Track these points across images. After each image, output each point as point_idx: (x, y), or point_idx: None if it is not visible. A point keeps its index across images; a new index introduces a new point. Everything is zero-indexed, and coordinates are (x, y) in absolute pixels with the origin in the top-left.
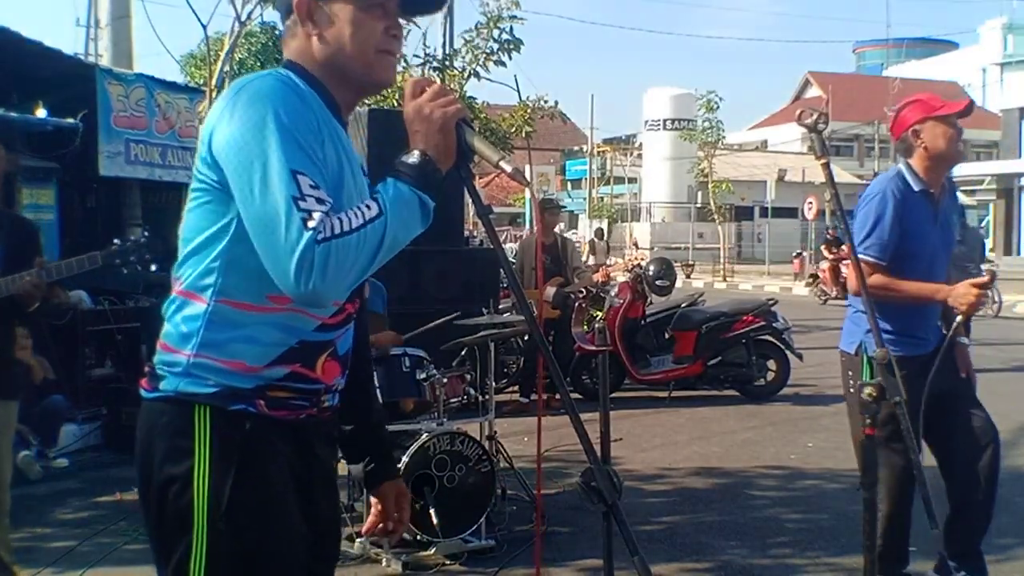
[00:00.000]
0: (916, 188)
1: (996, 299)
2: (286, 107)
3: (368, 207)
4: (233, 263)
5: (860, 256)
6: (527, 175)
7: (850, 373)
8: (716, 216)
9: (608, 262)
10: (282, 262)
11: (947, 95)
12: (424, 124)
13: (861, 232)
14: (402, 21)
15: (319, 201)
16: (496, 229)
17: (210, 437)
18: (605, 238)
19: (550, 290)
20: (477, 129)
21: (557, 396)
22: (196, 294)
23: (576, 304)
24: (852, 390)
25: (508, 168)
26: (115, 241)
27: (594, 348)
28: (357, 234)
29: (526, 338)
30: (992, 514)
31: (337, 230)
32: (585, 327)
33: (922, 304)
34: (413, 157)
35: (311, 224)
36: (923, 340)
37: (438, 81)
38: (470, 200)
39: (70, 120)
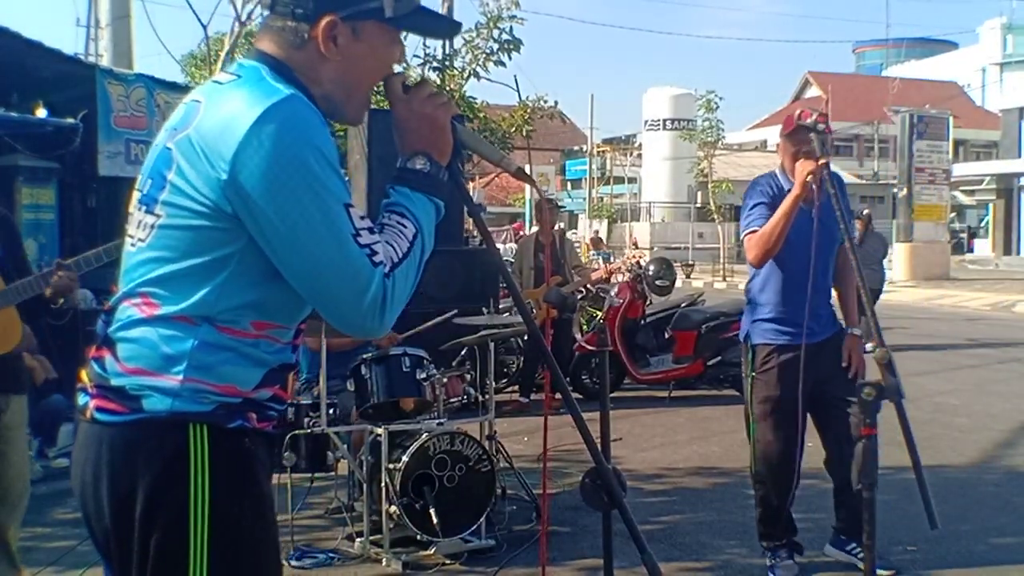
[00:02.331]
0: (786, 187)
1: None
2: (319, 135)
3: (404, 225)
4: (230, 293)
5: (746, 231)
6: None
7: (741, 360)
8: (716, 216)
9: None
10: (351, 303)
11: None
12: (425, 124)
13: (746, 215)
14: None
15: (371, 231)
16: (496, 229)
17: (209, 459)
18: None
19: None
20: (476, 128)
21: (557, 395)
22: (183, 317)
23: (580, 306)
24: (744, 375)
25: (512, 167)
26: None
27: (594, 348)
28: (409, 257)
29: (526, 338)
30: None
31: (395, 258)
32: (585, 326)
33: (802, 279)
34: (421, 163)
35: (377, 259)
36: (809, 330)
37: (434, 78)
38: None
39: (70, 120)
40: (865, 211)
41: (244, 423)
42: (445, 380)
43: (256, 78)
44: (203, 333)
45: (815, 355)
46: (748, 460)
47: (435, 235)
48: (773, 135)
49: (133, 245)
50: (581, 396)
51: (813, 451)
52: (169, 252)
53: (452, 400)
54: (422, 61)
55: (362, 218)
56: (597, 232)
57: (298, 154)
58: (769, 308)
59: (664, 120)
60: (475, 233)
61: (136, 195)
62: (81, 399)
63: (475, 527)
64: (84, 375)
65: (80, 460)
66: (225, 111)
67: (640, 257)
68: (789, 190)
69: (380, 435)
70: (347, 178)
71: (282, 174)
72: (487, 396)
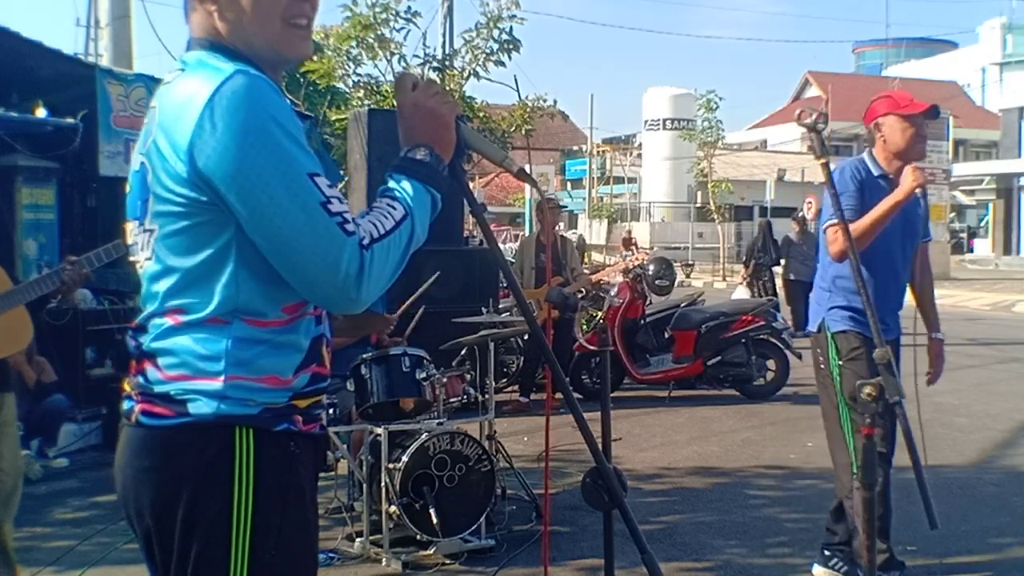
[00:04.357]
0: (876, 173)
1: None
2: (271, 105)
3: (393, 207)
4: (245, 281)
5: (832, 222)
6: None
7: (818, 351)
8: (715, 216)
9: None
10: (326, 274)
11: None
12: (427, 119)
13: (830, 204)
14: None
15: (340, 201)
16: (496, 228)
17: (254, 462)
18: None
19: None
20: (476, 128)
21: (558, 395)
22: (213, 318)
23: (581, 306)
24: (822, 367)
25: (514, 168)
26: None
27: (595, 348)
28: (392, 236)
29: (526, 338)
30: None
31: (376, 234)
32: (585, 327)
33: (884, 272)
34: (422, 153)
35: (349, 228)
36: (886, 326)
37: (435, 78)
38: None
39: (70, 120)
40: (800, 213)
41: (290, 426)
42: (445, 380)
43: (198, 64)
44: (236, 330)
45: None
46: (749, 461)
47: (436, 235)
48: (773, 135)
49: (142, 266)
50: (581, 396)
51: (813, 451)
52: (174, 259)
53: (452, 400)
54: (422, 61)
55: (330, 186)
56: (629, 232)
57: (253, 127)
58: (848, 299)
59: (664, 120)
60: (475, 233)
61: (132, 224)
62: (126, 405)
63: (475, 527)
64: (127, 386)
65: (122, 463)
66: (177, 104)
67: (641, 257)
68: (880, 176)
69: (380, 435)
70: (347, 178)
71: (239, 152)
72: (487, 396)
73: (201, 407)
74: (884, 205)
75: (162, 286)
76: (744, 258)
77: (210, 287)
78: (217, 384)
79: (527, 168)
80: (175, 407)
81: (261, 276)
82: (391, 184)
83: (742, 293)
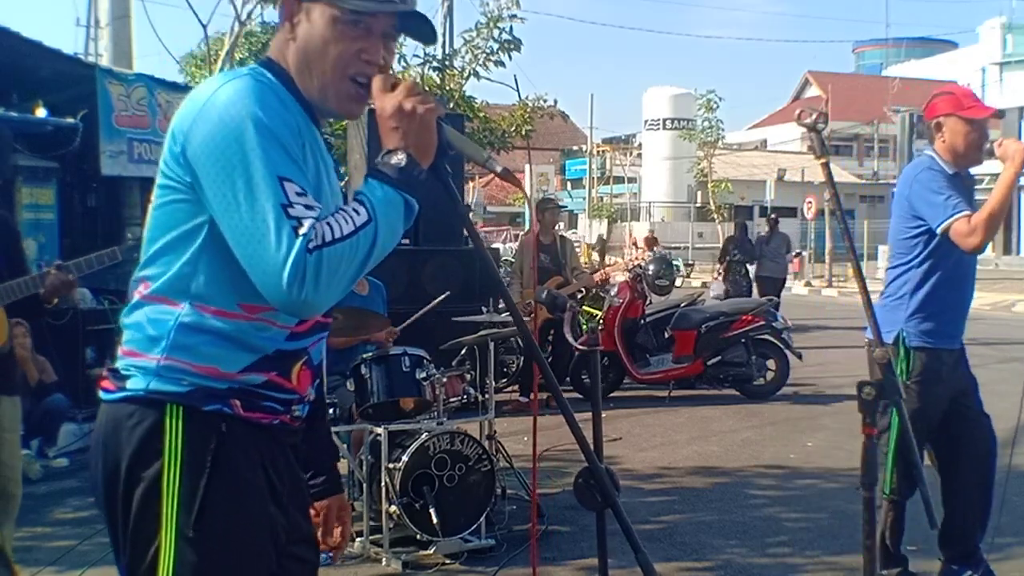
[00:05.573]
0: (950, 172)
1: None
2: (266, 109)
3: (357, 212)
4: (205, 267)
5: (956, 217)
6: (528, 174)
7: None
8: (715, 216)
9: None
10: (272, 273)
11: None
12: (407, 122)
13: (937, 203)
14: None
15: (308, 208)
16: (497, 228)
17: (182, 439)
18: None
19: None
20: (476, 128)
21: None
22: (167, 298)
23: (570, 305)
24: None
25: (497, 168)
26: (128, 236)
27: (586, 348)
28: (348, 241)
29: None
30: (990, 511)
31: (328, 237)
32: (585, 327)
33: (958, 274)
34: (397, 158)
35: (301, 231)
36: (958, 332)
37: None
38: (469, 198)
39: (70, 120)
40: (772, 215)
41: (223, 408)
42: (445, 380)
43: (234, 72)
44: (184, 313)
45: (958, 363)
46: (749, 461)
47: (436, 235)
48: (773, 135)
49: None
50: (581, 396)
51: (813, 451)
52: (156, 231)
53: (452, 400)
54: (422, 61)
55: (300, 194)
56: (652, 231)
57: (239, 124)
58: (926, 308)
59: (664, 120)
60: None
61: None
62: None
63: (475, 527)
64: None
65: (92, 438)
66: (191, 98)
67: (641, 257)
68: (954, 174)
69: (380, 435)
70: (347, 177)
71: (222, 143)
72: (487, 396)
73: (137, 382)
74: (1003, 187)
75: (144, 254)
76: (720, 256)
77: (170, 262)
78: (152, 362)
79: (528, 168)
80: (119, 382)
81: (222, 265)
82: (362, 188)
83: (718, 289)
